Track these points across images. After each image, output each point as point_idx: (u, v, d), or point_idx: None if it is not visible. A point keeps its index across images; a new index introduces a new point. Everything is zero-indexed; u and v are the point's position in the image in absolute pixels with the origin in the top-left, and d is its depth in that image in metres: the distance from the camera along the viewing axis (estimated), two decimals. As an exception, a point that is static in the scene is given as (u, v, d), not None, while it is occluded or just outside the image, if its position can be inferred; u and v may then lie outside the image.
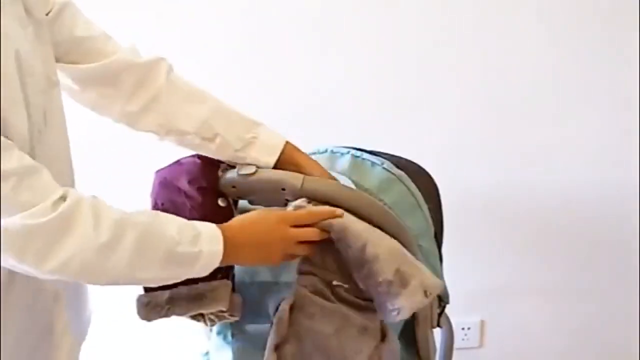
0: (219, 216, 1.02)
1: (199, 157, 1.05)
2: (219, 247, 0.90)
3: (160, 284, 0.93)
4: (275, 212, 0.99)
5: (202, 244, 0.89)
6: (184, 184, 1.01)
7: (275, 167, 1.04)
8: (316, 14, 1.59)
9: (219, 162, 1.05)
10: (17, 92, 0.79)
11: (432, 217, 1.19)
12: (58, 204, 0.78)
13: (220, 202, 1.03)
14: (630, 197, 1.76)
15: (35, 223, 0.76)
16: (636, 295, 1.83)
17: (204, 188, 1.01)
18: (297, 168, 1.04)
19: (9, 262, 0.78)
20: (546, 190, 1.75)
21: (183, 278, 0.91)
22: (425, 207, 1.18)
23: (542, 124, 1.71)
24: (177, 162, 1.05)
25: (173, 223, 0.89)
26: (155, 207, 1.04)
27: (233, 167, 1.05)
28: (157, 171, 1.06)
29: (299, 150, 1.07)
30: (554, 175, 1.74)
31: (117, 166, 1.60)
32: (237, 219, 0.97)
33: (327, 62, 1.62)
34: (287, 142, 1.06)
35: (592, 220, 1.79)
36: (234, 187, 1.03)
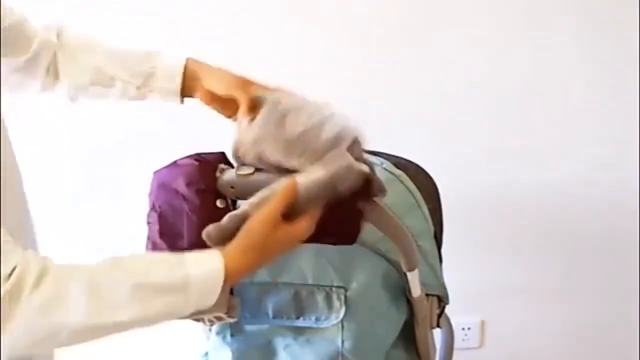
0: (218, 218, 1.01)
1: (197, 158, 1.04)
2: (214, 264, 0.83)
3: (160, 322, 0.83)
4: (255, 221, 0.88)
5: (187, 267, 0.81)
6: (181, 186, 1.00)
7: (182, 90, 1.02)
8: (318, 12, 1.59)
9: (217, 162, 1.04)
10: None
11: (431, 217, 1.20)
12: (10, 273, 0.73)
13: (219, 204, 1.02)
14: (631, 197, 1.76)
15: None
16: (636, 295, 1.83)
17: (202, 190, 1.01)
18: (200, 85, 1.02)
19: None
20: (546, 190, 1.75)
21: (183, 310, 0.83)
22: (425, 207, 1.18)
23: (542, 124, 1.70)
24: (175, 163, 1.04)
25: (143, 258, 0.85)
26: (153, 209, 1.04)
27: (231, 167, 1.05)
28: (156, 172, 1.06)
29: (201, 63, 1.03)
30: (554, 175, 1.74)
31: (117, 166, 1.60)
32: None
33: (327, 62, 1.61)
34: (187, 60, 1.02)
35: (592, 221, 1.79)
36: (232, 187, 1.03)
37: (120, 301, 0.78)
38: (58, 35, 1.02)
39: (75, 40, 1.04)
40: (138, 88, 1.02)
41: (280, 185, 0.90)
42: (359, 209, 0.98)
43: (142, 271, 0.81)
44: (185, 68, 1.02)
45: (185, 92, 1.04)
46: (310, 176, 0.91)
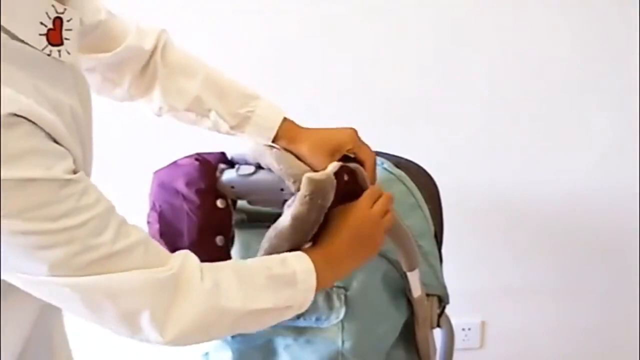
0: (218, 218, 1.02)
1: (197, 158, 1.04)
2: (308, 265, 0.89)
3: (285, 316, 0.89)
4: (351, 206, 0.96)
5: (292, 263, 0.88)
6: (181, 186, 1.00)
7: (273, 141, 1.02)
8: (320, 15, 1.59)
9: (217, 162, 1.04)
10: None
11: (432, 217, 1.19)
12: (175, 263, 0.80)
13: (219, 204, 1.02)
14: (631, 197, 1.76)
15: (164, 276, 0.77)
16: (636, 296, 1.83)
17: (202, 190, 1.00)
18: (292, 147, 1.02)
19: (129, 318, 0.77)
20: (546, 190, 1.75)
21: (296, 305, 0.89)
22: (425, 207, 1.18)
23: (542, 124, 1.70)
24: (175, 163, 1.04)
25: (253, 259, 0.91)
26: (153, 208, 1.03)
27: (231, 167, 1.04)
28: (156, 172, 1.06)
29: (297, 128, 1.03)
30: (554, 175, 1.74)
31: (117, 166, 1.59)
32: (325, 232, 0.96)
33: (328, 63, 1.61)
34: (285, 119, 1.02)
35: (593, 221, 1.79)
36: (232, 187, 1.03)
37: (261, 290, 0.84)
38: (162, 49, 1.00)
39: (178, 58, 1.02)
40: (231, 127, 1.02)
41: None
42: None
43: (265, 265, 0.87)
44: (282, 123, 1.02)
45: (276, 143, 1.03)
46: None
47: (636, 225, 1.78)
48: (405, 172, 1.17)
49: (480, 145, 1.70)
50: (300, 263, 0.89)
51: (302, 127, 1.04)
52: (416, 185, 1.17)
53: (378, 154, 1.18)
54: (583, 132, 1.72)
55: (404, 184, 1.15)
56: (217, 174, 1.03)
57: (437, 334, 1.25)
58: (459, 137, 1.69)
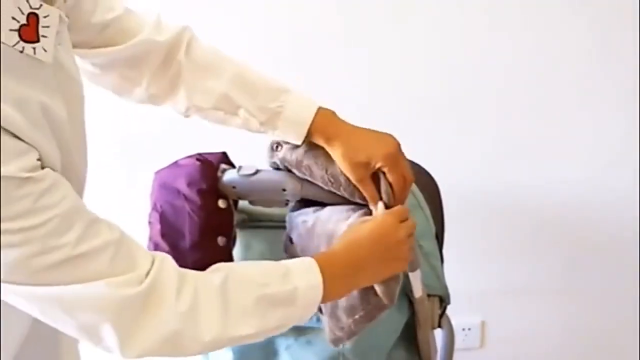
0: (219, 218, 1.01)
1: (198, 158, 1.04)
2: (316, 278, 0.82)
3: (271, 334, 0.84)
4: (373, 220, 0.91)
5: (294, 279, 0.81)
6: (183, 186, 1.00)
7: (306, 139, 0.95)
8: (320, 11, 1.59)
9: (219, 162, 1.04)
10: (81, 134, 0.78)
11: (433, 217, 1.19)
12: (147, 273, 0.74)
13: (221, 204, 1.02)
14: (630, 197, 1.76)
15: (130, 293, 0.72)
16: (636, 296, 1.83)
17: (203, 190, 1.00)
18: (327, 142, 0.95)
19: (87, 331, 0.72)
20: (546, 190, 1.75)
21: (291, 322, 0.83)
22: (426, 207, 1.18)
23: (542, 124, 1.70)
24: (176, 163, 1.04)
25: (253, 268, 0.84)
26: (154, 209, 1.03)
27: (233, 167, 1.04)
28: (157, 172, 1.05)
29: (333, 119, 0.96)
30: (554, 175, 1.74)
31: (118, 165, 1.59)
32: (344, 239, 0.91)
33: (328, 62, 1.61)
34: (318, 110, 0.95)
35: (592, 221, 1.79)
36: (234, 187, 1.03)
37: (246, 315, 0.79)
38: (187, 47, 0.96)
39: (204, 55, 0.97)
40: (261, 124, 0.95)
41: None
42: None
43: (262, 281, 0.81)
44: (315, 117, 0.95)
45: (309, 138, 0.96)
46: None
47: (636, 226, 1.78)
48: (406, 172, 1.16)
49: (481, 146, 1.70)
50: (305, 278, 0.82)
51: (341, 124, 0.97)
52: (417, 185, 1.17)
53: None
54: (583, 134, 1.72)
55: (405, 184, 1.15)
56: (219, 174, 1.03)
57: (437, 334, 1.25)
58: (459, 138, 1.69)
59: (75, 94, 0.79)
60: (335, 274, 0.85)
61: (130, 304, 0.72)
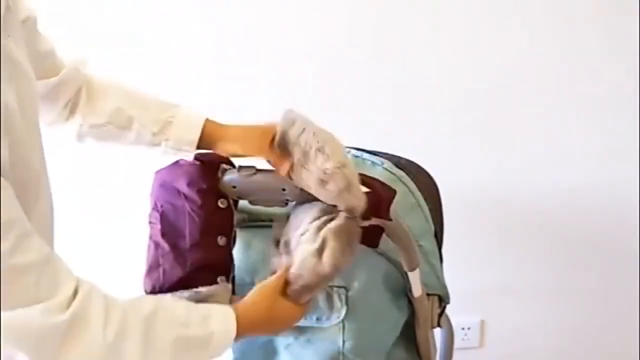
0: (219, 218, 1.02)
1: (198, 158, 1.04)
2: (232, 326, 0.88)
3: None
4: (269, 285, 0.96)
5: (214, 324, 0.87)
6: (183, 186, 1.00)
7: (198, 146, 1.02)
8: (321, 11, 1.59)
9: (219, 162, 1.05)
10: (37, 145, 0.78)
11: (432, 217, 1.20)
12: (71, 299, 0.73)
13: (220, 204, 1.02)
14: (630, 197, 1.76)
15: (52, 322, 0.70)
16: (636, 296, 1.83)
17: (203, 190, 1.01)
18: (219, 145, 1.01)
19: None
20: (546, 190, 1.75)
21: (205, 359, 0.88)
22: (425, 207, 1.18)
23: (542, 124, 1.71)
24: (176, 163, 1.04)
25: (180, 306, 0.88)
26: (155, 208, 1.03)
27: (233, 167, 1.05)
28: (157, 172, 1.06)
29: (221, 126, 1.03)
30: (554, 175, 1.74)
31: (119, 165, 1.59)
32: (250, 296, 0.96)
33: (326, 62, 1.61)
34: (207, 119, 1.02)
35: (592, 220, 1.79)
36: (234, 187, 1.03)
37: (163, 353, 0.81)
38: (85, 79, 1.02)
39: (100, 80, 1.03)
40: (154, 134, 1.01)
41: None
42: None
43: (184, 320, 0.84)
44: (204, 125, 1.02)
45: (201, 146, 1.02)
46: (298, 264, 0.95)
47: (636, 226, 1.78)
48: (405, 172, 1.17)
49: (480, 146, 1.71)
50: (223, 323, 0.88)
51: (227, 125, 1.03)
52: (416, 185, 1.17)
53: (379, 154, 1.18)
54: (583, 133, 1.72)
55: (404, 183, 1.15)
56: (219, 174, 1.03)
57: (437, 333, 1.25)
58: (459, 137, 1.69)
59: (28, 91, 0.79)
60: (247, 326, 0.91)
61: (54, 333, 0.70)
